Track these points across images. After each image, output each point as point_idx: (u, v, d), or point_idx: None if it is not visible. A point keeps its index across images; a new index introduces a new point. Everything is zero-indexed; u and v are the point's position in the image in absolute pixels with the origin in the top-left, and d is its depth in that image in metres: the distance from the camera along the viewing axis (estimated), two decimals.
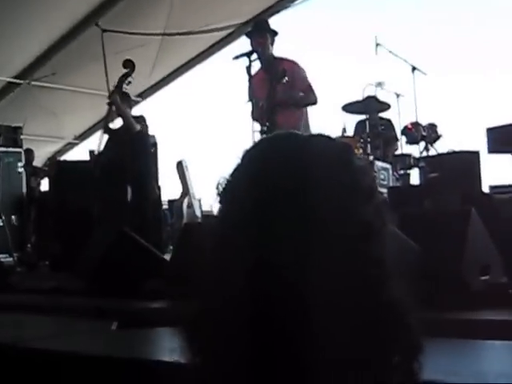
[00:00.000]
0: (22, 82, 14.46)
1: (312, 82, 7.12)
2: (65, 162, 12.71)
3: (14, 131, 12.32)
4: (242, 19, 14.54)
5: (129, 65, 8.66)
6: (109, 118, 8.68)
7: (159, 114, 16.12)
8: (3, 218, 11.12)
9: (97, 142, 8.99)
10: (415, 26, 13.22)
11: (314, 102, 7.15)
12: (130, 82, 8.70)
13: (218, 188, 1.14)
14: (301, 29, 13.90)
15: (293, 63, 7.17)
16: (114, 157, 8.46)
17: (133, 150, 8.55)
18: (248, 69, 6.82)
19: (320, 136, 1.15)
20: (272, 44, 7.22)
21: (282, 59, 7.21)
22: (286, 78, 6.80)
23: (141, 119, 8.87)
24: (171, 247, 9.67)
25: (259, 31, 7.21)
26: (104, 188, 8.44)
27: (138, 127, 8.52)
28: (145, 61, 14.66)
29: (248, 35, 7.30)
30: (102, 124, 8.82)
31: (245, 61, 6.84)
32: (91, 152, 9.42)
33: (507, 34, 12.18)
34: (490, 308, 4.50)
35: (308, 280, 1.00)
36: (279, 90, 6.84)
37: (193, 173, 13.39)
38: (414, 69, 9.90)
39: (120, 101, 8.52)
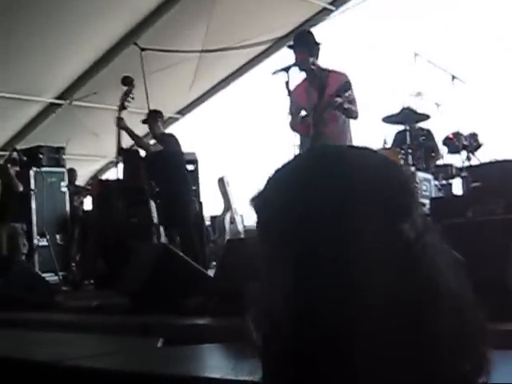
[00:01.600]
0: (63, 102, 14.62)
1: (357, 97, 7.05)
2: (107, 181, 12.81)
3: (56, 151, 12.47)
4: (280, 33, 14.60)
5: (127, 81, 8.74)
6: (120, 140, 8.81)
7: (199, 130, 16.21)
8: (48, 237, 11.24)
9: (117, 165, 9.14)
10: (453, 34, 13.14)
11: (356, 117, 7.09)
12: (133, 98, 8.80)
13: (252, 204, 1.11)
14: (338, 40, 13.87)
15: (341, 75, 7.10)
16: (130, 180, 8.57)
17: (153, 171, 8.64)
18: (287, 84, 6.79)
19: (358, 148, 1.11)
20: (316, 56, 7.12)
21: (330, 71, 7.16)
22: (349, 92, 6.75)
23: (170, 137, 8.94)
24: (214, 263, 9.70)
25: (299, 43, 7.16)
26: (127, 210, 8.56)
27: (152, 148, 8.62)
28: (183, 78, 14.78)
29: (290, 47, 7.26)
30: (116, 147, 8.91)
31: (283, 75, 6.82)
32: None
33: None
34: None
35: (354, 299, 0.98)
36: (330, 99, 6.75)
37: (234, 188, 13.42)
38: (453, 78, 9.82)
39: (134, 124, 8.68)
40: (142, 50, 12.58)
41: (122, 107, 8.68)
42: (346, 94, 6.70)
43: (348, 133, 7.13)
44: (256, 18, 13.56)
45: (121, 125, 8.62)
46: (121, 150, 8.88)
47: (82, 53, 13.25)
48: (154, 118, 9.00)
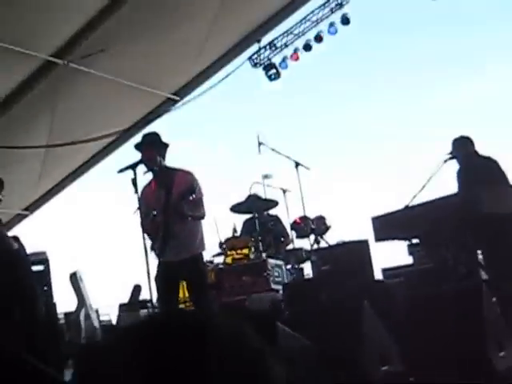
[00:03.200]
0: None
1: (203, 195, 7.10)
2: None
3: None
4: (123, 126, 14.63)
5: None
6: None
7: (49, 226, 15.95)
8: None
9: None
10: (297, 122, 13.60)
11: (203, 217, 7.13)
12: (0, 201, 8.41)
13: None
14: (182, 130, 14.06)
15: (187, 174, 7.15)
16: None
17: (16, 271, 8.32)
18: (133, 181, 6.74)
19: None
20: (163, 156, 7.16)
21: (176, 170, 7.19)
22: (194, 196, 6.79)
23: (16, 239, 8.63)
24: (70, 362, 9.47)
25: (147, 144, 7.13)
26: None
27: (16, 246, 8.30)
28: (30, 174, 14.54)
29: (136, 148, 7.19)
30: None
31: (130, 173, 6.79)
32: None
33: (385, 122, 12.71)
34: None
35: None
36: (177, 202, 6.80)
37: (89, 283, 13.17)
38: (297, 165, 10.08)
39: None
40: None
41: None
42: (191, 198, 6.76)
43: (199, 230, 7.16)
44: (100, 111, 13.55)
45: None
46: None
47: None
48: None
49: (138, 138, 12.91)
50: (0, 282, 8.04)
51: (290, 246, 10.51)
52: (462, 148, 8.66)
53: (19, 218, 16.21)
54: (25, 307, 8.31)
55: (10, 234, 8.59)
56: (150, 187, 7.17)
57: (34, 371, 5.95)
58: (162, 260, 6.96)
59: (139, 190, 6.85)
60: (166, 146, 7.19)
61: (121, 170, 6.84)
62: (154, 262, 6.99)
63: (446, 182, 8.57)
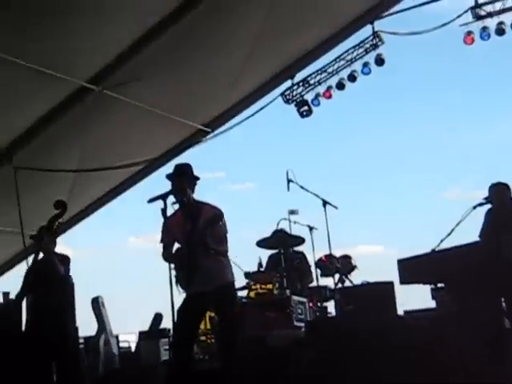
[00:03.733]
0: None
1: (227, 233, 7.02)
2: None
3: None
4: (153, 155, 14.72)
5: (60, 206, 8.41)
6: (37, 256, 8.34)
7: (75, 249, 16.04)
8: None
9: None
10: (326, 160, 13.64)
11: (225, 254, 7.04)
12: (60, 223, 8.43)
13: None
14: (211, 161, 14.14)
15: (215, 208, 7.00)
16: (44, 299, 8.26)
17: (58, 293, 8.37)
18: (163, 211, 6.73)
19: None
20: (192, 188, 7.09)
21: (203, 204, 7.08)
22: (220, 223, 6.73)
23: (66, 260, 8.66)
24: None
25: (178, 175, 7.06)
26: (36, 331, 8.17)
27: (63, 270, 8.34)
28: (57, 197, 14.58)
29: (168, 177, 7.11)
30: (32, 262, 8.44)
31: (160, 203, 6.78)
32: (5, 294, 9.22)
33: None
34: None
35: None
36: (202, 231, 6.73)
37: (110, 309, 13.16)
38: (325, 203, 9.99)
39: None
40: (16, 168, 12.51)
41: (49, 230, 8.19)
42: (217, 225, 6.69)
43: (228, 261, 7.03)
44: (130, 138, 13.66)
45: (44, 240, 8.11)
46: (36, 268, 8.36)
47: None
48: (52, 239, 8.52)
49: (166, 167, 13.11)
50: (49, 305, 8.12)
51: (313, 284, 10.46)
52: (499, 193, 8.57)
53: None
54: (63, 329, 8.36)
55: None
56: (175, 217, 7.07)
57: None
58: (188, 293, 6.82)
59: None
60: (196, 178, 7.13)
61: (151, 200, 6.82)
62: (178, 292, 6.93)
63: (476, 227, 8.50)
